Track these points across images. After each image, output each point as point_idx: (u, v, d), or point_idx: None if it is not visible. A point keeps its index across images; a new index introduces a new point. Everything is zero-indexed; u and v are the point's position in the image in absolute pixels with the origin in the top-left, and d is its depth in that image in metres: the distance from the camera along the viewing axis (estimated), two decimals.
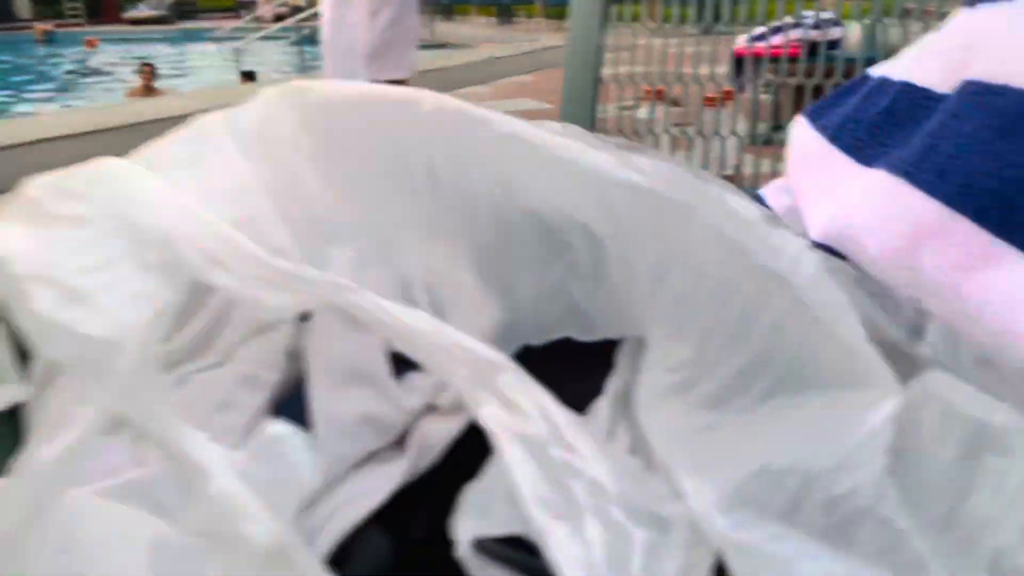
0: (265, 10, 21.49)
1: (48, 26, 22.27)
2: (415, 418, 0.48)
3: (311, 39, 15.87)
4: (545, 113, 4.57)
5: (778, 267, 0.44)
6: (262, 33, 13.49)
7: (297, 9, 20.79)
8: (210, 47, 17.44)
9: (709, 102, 0.68)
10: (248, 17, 21.51)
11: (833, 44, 3.18)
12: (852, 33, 3.27)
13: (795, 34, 3.20)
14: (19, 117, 7.94)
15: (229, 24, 21.11)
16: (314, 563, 0.36)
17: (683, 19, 2.64)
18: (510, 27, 16.66)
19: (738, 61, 3.34)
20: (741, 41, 3.31)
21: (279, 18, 20.90)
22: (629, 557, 0.35)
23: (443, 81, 6.36)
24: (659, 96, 0.60)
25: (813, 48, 3.18)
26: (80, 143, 4.03)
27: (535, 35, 12.57)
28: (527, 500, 0.36)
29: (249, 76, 8.91)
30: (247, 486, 0.37)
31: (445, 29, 14.60)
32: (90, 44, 18.04)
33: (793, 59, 3.25)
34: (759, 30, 3.35)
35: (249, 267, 0.49)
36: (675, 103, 2.94)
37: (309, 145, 0.60)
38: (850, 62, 3.71)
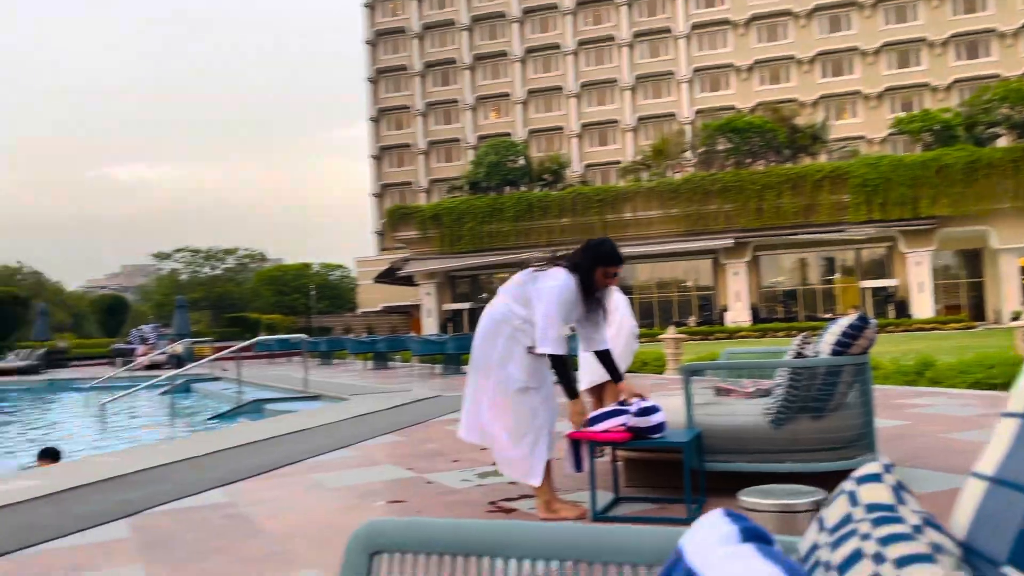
0: (142, 358, 21.69)
1: None
2: None
3: (186, 388, 16.08)
4: (405, 483, 4.83)
5: None
6: (138, 388, 13.59)
7: (176, 358, 21.17)
8: (77, 396, 17.15)
9: None
10: (123, 366, 21.59)
11: (655, 428, 3.74)
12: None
13: (618, 420, 3.75)
14: None
15: (102, 372, 21.04)
16: None
17: None
18: (384, 373, 17.50)
19: (574, 443, 3.83)
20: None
21: (153, 366, 21.13)
22: None
23: (307, 446, 6.59)
24: None
25: (639, 432, 3.73)
26: None
27: (406, 384, 13.26)
28: None
29: (52, 455, 7.38)
30: None
31: (322, 377, 15.19)
32: None
33: (621, 444, 3.78)
34: (597, 412, 3.85)
35: None
36: None
37: None
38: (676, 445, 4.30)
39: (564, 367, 3.75)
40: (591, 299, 3.85)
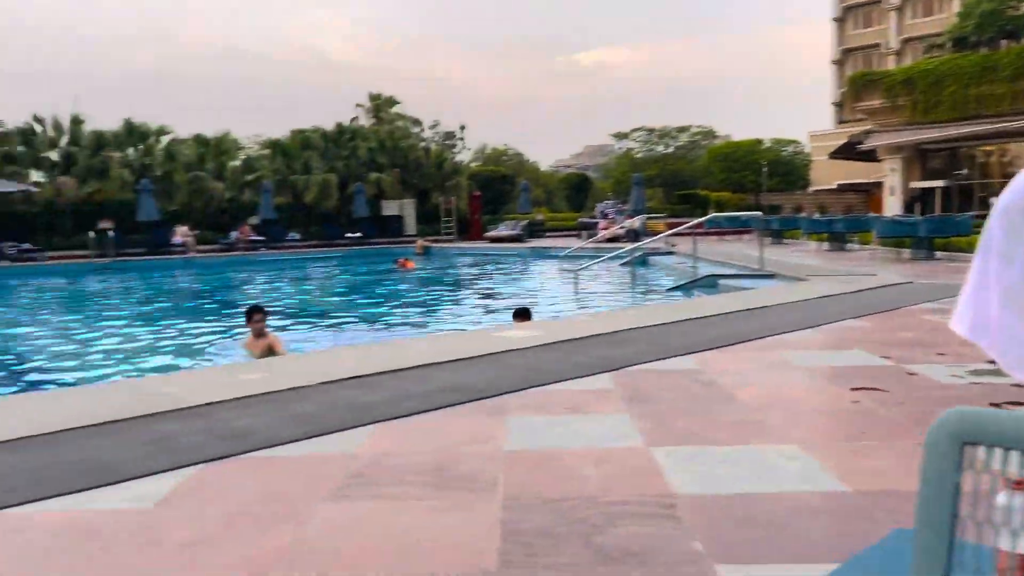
0: (603, 232, 23.70)
1: (427, 242, 26.71)
2: None
3: (643, 261, 17.17)
4: (881, 372, 4.51)
5: None
6: (603, 258, 14.94)
7: (633, 233, 22.66)
8: (552, 264, 19.52)
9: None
10: (587, 238, 23.89)
11: None
12: None
13: None
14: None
15: (570, 243, 23.57)
16: None
17: None
18: (842, 255, 16.43)
19: None
20: None
21: (613, 239, 22.92)
22: None
23: (767, 323, 6.52)
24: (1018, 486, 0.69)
25: None
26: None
27: (869, 267, 12.26)
28: None
29: (524, 314, 8.18)
30: None
31: (774, 256, 14.88)
32: (403, 265, 19.69)
33: None
34: None
35: None
36: None
37: None
38: None
39: None
40: None
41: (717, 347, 5.37)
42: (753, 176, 46.83)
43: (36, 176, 28.65)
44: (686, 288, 11.79)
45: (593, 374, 4.54)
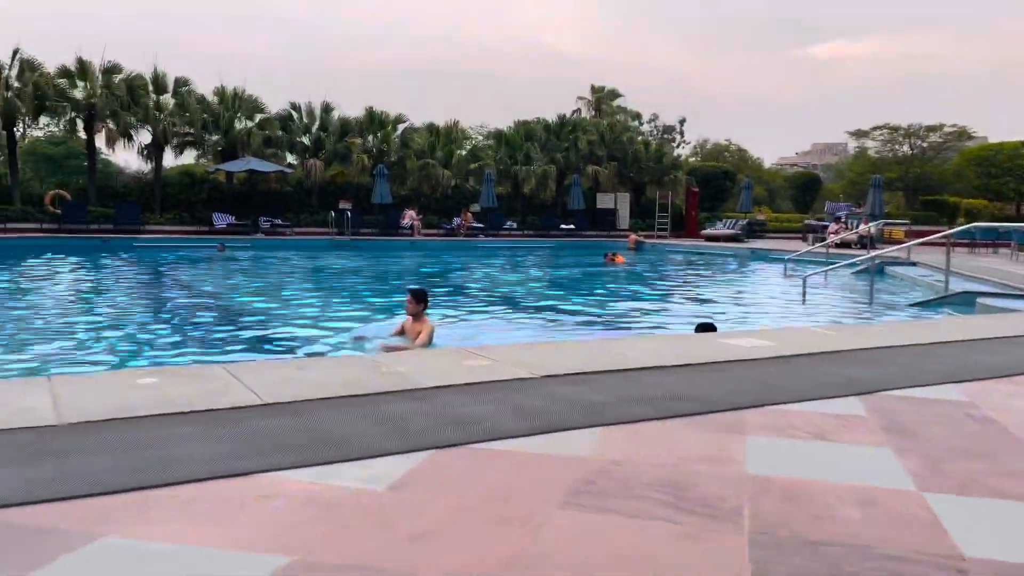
0: (833, 236, 21.99)
1: (639, 237, 26.31)
2: None
3: (880, 271, 15.66)
4: None
5: None
6: (835, 266, 13.79)
7: (868, 239, 20.84)
8: (775, 267, 18.41)
9: None
10: (814, 242, 22.28)
11: None
12: None
13: None
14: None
15: (794, 246, 22.13)
16: None
17: None
18: None
19: None
20: None
21: (843, 245, 21.19)
22: None
23: None
24: None
25: None
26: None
27: None
28: None
29: (709, 330, 7.41)
30: None
31: None
32: (613, 259, 19.99)
33: None
34: None
35: None
36: None
37: None
38: None
39: None
40: None
41: (990, 377, 4.63)
42: (1015, 183, 41.41)
43: (290, 158, 31.71)
44: (935, 305, 10.54)
45: (839, 396, 4.06)
